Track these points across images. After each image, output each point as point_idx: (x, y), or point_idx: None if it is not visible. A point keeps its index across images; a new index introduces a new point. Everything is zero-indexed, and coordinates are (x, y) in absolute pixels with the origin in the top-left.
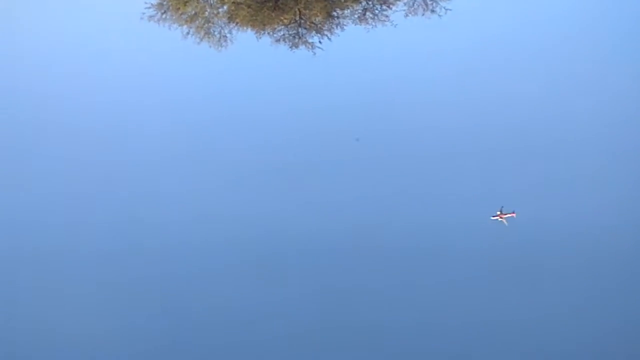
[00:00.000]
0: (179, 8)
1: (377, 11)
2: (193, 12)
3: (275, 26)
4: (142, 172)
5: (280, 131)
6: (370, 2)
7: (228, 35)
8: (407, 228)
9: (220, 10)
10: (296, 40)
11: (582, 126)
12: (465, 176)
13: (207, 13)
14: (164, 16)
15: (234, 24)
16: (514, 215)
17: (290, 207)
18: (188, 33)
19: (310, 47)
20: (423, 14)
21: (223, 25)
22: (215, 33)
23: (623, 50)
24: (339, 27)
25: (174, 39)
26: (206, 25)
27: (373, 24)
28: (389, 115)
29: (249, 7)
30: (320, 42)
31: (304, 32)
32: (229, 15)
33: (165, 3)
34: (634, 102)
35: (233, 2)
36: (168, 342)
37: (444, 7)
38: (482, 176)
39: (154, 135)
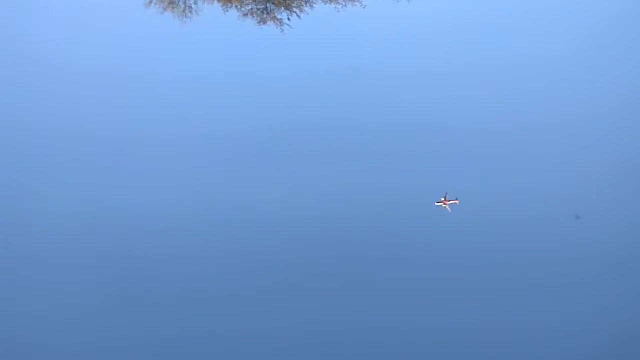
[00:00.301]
0: None
1: None
2: None
3: None
4: (108, 150)
5: (243, 109)
6: None
7: (193, 6)
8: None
9: None
10: (264, 15)
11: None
12: (436, 157)
13: None
14: None
15: None
16: (457, 202)
17: (252, 187)
18: (150, 1)
19: (278, 23)
20: None
21: None
22: (180, 3)
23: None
24: (308, 4)
25: (135, 5)
26: None
27: (343, 3)
28: (355, 97)
29: None
30: (288, 19)
31: (272, 8)
32: None
33: None
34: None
35: None
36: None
37: None
38: (453, 157)
39: (111, 110)
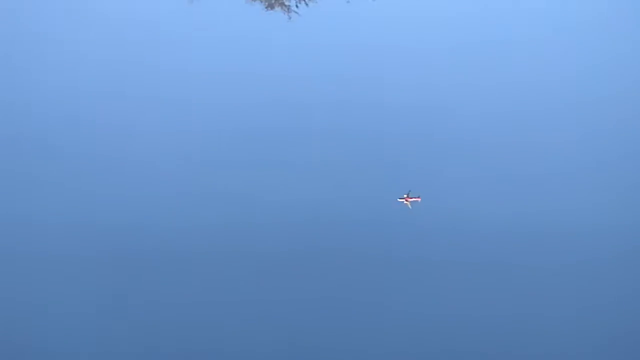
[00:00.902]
0: None
1: None
2: None
3: None
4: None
5: (245, 92)
6: None
7: None
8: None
9: None
10: (272, 0)
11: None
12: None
13: None
14: None
15: None
16: (419, 199)
17: (252, 171)
18: None
19: (286, 10)
20: None
21: None
22: None
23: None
24: None
25: None
26: None
27: None
28: (354, 89)
29: None
30: (297, 6)
31: None
32: None
33: None
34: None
35: None
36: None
37: None
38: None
39: (118, 91)
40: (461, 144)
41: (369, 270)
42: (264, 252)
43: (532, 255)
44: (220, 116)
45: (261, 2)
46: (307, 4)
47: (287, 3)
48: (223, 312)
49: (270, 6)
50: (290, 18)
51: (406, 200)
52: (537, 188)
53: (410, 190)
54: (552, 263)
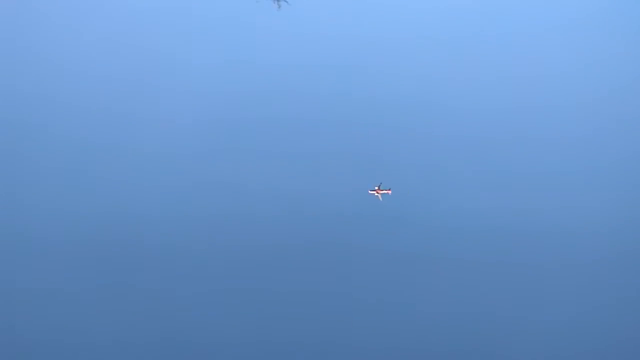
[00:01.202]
0: None
1: None
2: None
3: None
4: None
5: (234, 81)
6: None
7: None
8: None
9: None
10: None
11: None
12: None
13: None
14: None
15: None
16: (389, 192)
17: (235, 164)
18: None
19: None
20: None
21: None
22: None
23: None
24: None
25: None
26: None
27: None
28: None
29: None
30: None
31: None
32: None
33: None
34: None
35: None
36: None
37: None
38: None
39: (111, 80)
40: (459, 140)
41: (367, 265)
42: (257, 243)
43: (531, 253)
44: (207, 106)
45: None
46: None
47: None
48: (216, 304)
49: None
50: (279, 7)
51: (377, 192)
52: (535, 186)
53: (381, 183)
54: (551, 262)
